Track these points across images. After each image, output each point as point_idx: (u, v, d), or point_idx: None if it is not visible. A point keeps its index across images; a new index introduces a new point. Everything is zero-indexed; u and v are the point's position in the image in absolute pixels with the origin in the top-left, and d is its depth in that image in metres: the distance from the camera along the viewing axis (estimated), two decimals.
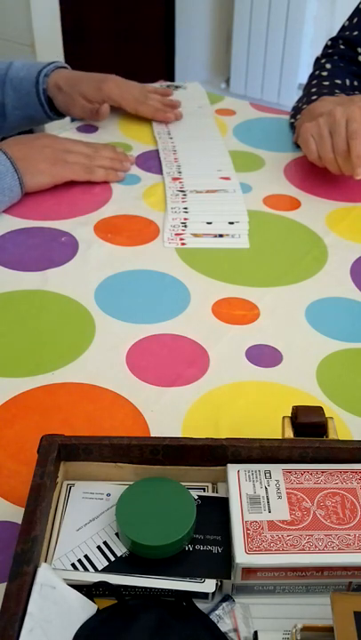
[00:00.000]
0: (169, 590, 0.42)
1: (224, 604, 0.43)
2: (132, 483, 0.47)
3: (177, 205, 0.89)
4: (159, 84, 1.28)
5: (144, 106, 1.10)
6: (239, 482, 0.47)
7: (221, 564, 0.44)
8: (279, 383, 0.62)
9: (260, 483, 0.47)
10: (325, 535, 0.44)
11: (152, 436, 0.56)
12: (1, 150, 0.84)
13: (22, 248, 0.79)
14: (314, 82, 1.08)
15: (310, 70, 1.15)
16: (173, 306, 0.71)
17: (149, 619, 0.41)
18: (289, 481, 0.47)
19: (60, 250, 0.79)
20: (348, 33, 1.13)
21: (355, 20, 1.13)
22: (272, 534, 0.44)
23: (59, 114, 1.08)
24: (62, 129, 1.10)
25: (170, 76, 2.99)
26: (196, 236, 0.83)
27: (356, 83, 1.08)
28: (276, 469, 0.48)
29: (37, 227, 0.83)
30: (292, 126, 1.08)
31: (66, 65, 1.08)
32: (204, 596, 0.43)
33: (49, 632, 0.38)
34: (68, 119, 1.14)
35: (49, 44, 2.15)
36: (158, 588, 0.42)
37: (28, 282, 0.74)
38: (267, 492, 0.46)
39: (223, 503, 0.47)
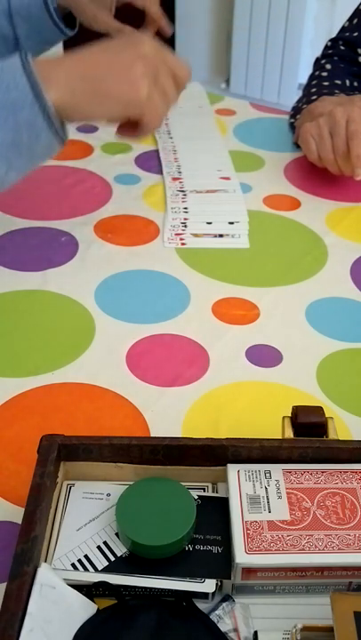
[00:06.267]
0: (169, 590, 0.42)
1: (224, 604, 0.43)
2: (132, 483, 0.47)
3: (177, 205, 0.89)
4: None
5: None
6: (239, 482, 0.47)
7: (221, 564, 0.44)
8: (279, 383, 0.62)
9: (260, 483, 0.47)
10: (325, 535, 0.44)
11: (152, 436, 0.56)
12: (25, 63, 0.59)
13: (22, 248, 0.79)
14: (314, 82, 1.08)
15: (310, 70, 1.15)
16: (173, 306, 0.71)
17: (149, 619, 0.41)
18: (289, 481, 0.47)
19: (60, 250, 0.79)
20: (348, 34, 1.13)
21: (355, 20, 1.13)
22: (272, 534, 0.44)
23: (73, 28, 0.98)
24: None
25: None
26: (196, 236, 0.83)
27: (356, 83, 1.08)
28: (276, 469, 0.48)
29: (37, 227, 0.83)
30: (292, 126, 1.08)
31: None
32: (204, 596, 0.43)
33: (49, 632, 0.38)
34: None
35: None
36: (158, 588, 0.42)
37: (28, 282, 0.74)
38: (267, 492, 0.46)
39: (223, 503, 0.47)
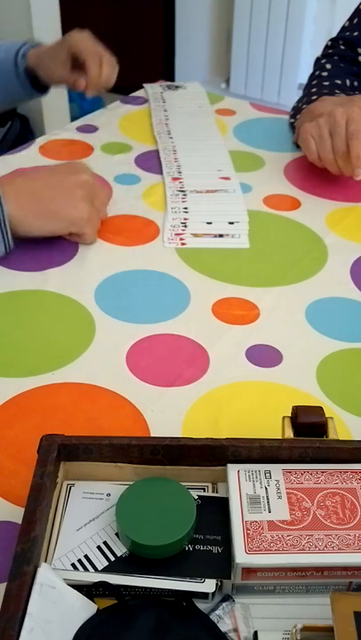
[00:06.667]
0: (169, 590, 0.42)
1: (224, 604, 0.43)
2: (132, 483, 0.47)
3: (177, 205, 0.89)
4: (159, 84, 1.28)
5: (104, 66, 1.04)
6: (239, 482, 0.47)
7: (221, 564, 0.44)
8: (279, 383, 0.62)
9: (260, 483, 0.47)
10: (325, 535, 0.44)
11: (152, 436, 0.56)
12: None
13: (22, 248, 0.79)
14: (314, 82, 1.08)
15: (310, 70, 1.15)
16: (173, 306, 0.71)
17: (149, 619, 0.41)
18: (289, 481, 0.47)
19: (60, 250, 0.79)
20: (348, 33, 1.13)
21: (355, 20, 1.13)
22: (272, 534, 0.44)
23: (40, 90, 1.09)
24: (62, 129, 1.10)
25: (170, 76, 2.99)
26: (196, 236, 0.83)
27: (356, 83, 1.08)
28: (276, 469, 0.48)
29: None
30: (292, 126, 1.08)
31: (40, 42, 1.08)
32: (204, 596, 0.43)
33: (49, 632, 0.38)
34: (67, 118, 1.14)
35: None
36: (158, 588, 0.42)
37: (28, 282, 0.74)
38: (267, 492, 0.46)
39: (223, 503, 0.47)
